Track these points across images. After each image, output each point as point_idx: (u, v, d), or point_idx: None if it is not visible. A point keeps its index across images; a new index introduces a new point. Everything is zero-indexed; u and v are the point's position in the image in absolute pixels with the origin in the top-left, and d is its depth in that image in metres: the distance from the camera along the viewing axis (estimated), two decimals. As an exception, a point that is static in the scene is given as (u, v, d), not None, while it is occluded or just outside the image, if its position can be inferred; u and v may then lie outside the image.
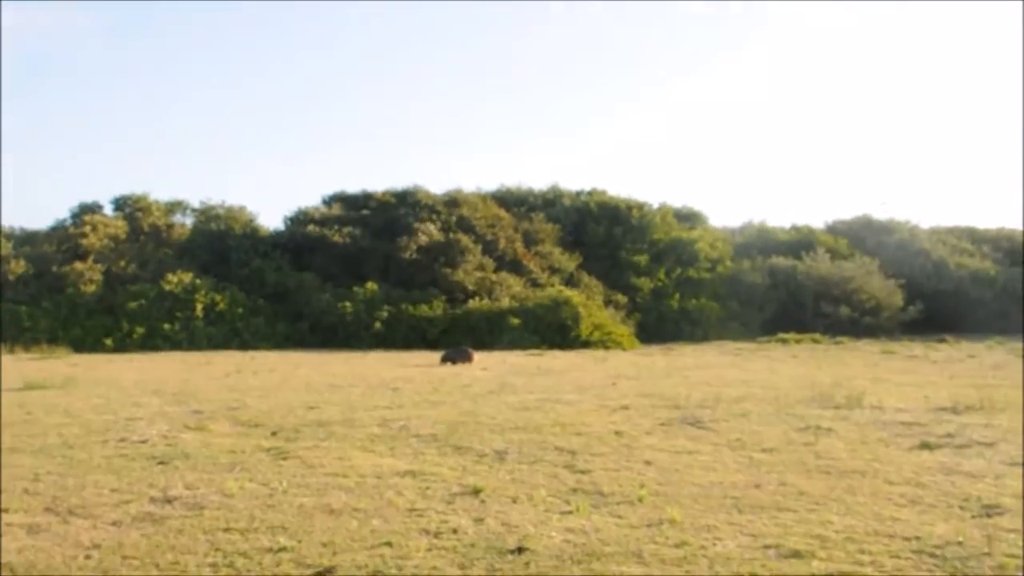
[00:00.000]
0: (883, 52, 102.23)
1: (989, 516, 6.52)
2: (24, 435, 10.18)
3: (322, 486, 7.51)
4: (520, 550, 5.71)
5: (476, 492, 7.26)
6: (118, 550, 5.75)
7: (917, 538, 5.94)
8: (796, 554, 5.59)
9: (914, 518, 6.46)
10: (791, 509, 6.72)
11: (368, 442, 9.73)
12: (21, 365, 21.65)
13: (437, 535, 6.06)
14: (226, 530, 6.19)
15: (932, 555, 5.59)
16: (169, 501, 7.01)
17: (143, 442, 9.68)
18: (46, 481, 7.77)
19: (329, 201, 38.98)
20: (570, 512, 6.66)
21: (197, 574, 5.29)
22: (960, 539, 5.88)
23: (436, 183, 59.97)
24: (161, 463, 8.54)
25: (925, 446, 9.35)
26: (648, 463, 8.49)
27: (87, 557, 5.62)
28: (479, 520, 6.43)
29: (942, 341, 31.81)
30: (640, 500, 6.99)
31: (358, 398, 13.85)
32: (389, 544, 5.85)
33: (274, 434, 10.31)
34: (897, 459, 8.66)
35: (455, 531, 6.15)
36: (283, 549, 5.73)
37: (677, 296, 38.28)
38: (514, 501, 7.01)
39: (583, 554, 5.63)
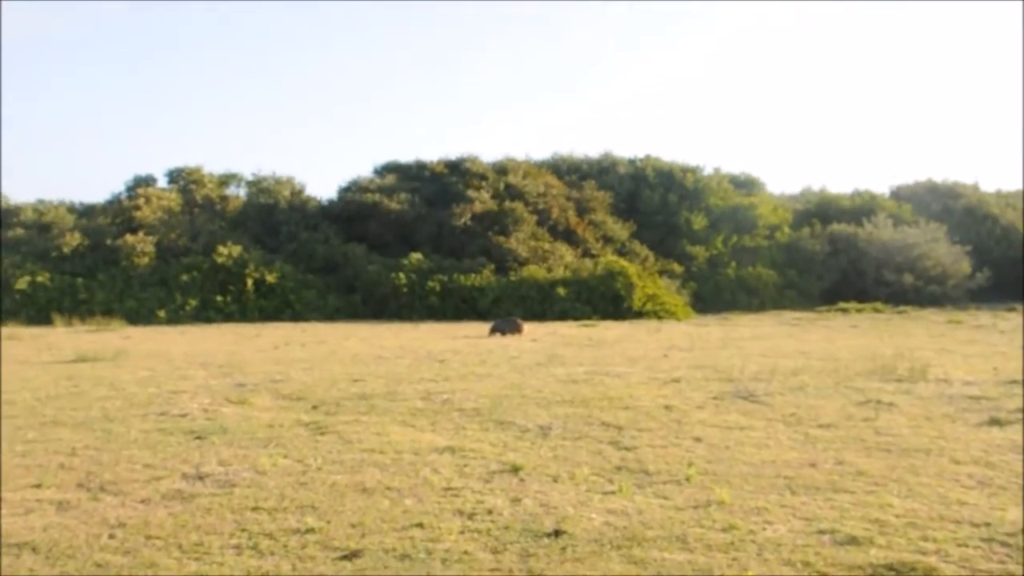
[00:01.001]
0: (939, 14, 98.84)
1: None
2: (68, 408, 10.16)
3: (357, 463, 7.29)
4: (557, 533, 5.42)
5: (516, 470, 6.98)
6: (143, 529, 5.60)
7: (987, 524, 5.51)
8: (853, 540, 5.21)
9: (983, 502, 6.02)
10: (848, 490, 6.32)
11: (409, 416, 9.51)
12: (76, 337, 21.93)
13: (471, 516, 5.80)
14: (255, 509, 6.01)
15: (1004, 543, 5.17)
16: (201, 478, 6.86)
17: (183, 416, 9.58)
18: (82, 456, 7.69)
19: (381, 171, 38.86)
20: (613, 492, 6.34)
21: (220, 556, 5.09)
22: (1035, 526, 5.44)
23: (488, 152, 59.58)
24: (198, 438, 8.41)
25: (995, 422, 8.81)
26: (697, 439, 8.12)
27: (111, 536, 5.47)
28: (516, 500, 6.15)
29: (1011, 310, 30.63)
30: (687, 479, 6.64)
31: (403, 370, 13.65)
32: (421, 525, 5.60)
33: (315, 408, 10.14)
34: (964, 436, 8.15)
35: (490, 512, 5.88)
36: (311, 530, 5.52)
37: (733, 264, 37.49)
38: (554, 480, 6.71)
39: (623, 538, 5.31)
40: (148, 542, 5.34)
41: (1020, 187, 48.41)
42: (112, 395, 11.17)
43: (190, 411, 9.86)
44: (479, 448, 7.82)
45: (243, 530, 5.56)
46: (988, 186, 48.51)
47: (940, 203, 43.91)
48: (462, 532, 5.48)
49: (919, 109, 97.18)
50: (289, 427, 8.94)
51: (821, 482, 6.55)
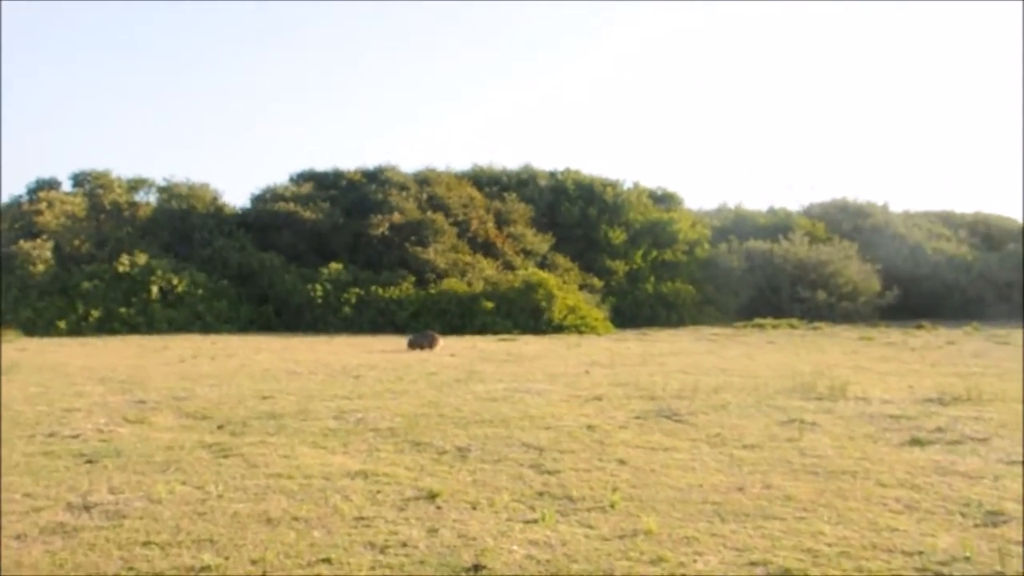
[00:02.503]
0: (861, 34, 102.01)
1: (994, 525, 5.93)
2: (-57, 429, 9.37)
3: (262, 489, 6.80)
4: (476, 568, 5.05)
5: (432, 497, 6.58)
6: (14, 570, 5.02)
7: (920, 552, 5.33)
8: (787, 573, 4.98)
9: (913, 527, 5.85)
10: (778, 517, 6.08)
11: (320, 437, 9.02)
12: (-36, 349, 20.70)
13: (384, 549, 5.38)
14: (145, 544, 5.49)
15: (938, 574, 4.98)
16: (88, 508, 6.28)
17: (74, 437, 8.92)
18: (-47, 484, 7.00)
19: (298, 179, 38.00)
20: (535, 521, 5.99)
21: (101, 601, 4.57)
22: (967, 554, 5.28)
23: (407, 162, 58.98)
24: (89, 462, 7.79)
25: (916, 442, 8.75)
26: (622, 462, 7.83)
27: (-25, 580, 4.89)
28: (432, 531, 5.75)
29: (919, 327, 31.40)
30: (612, 506, 6.33)
31: (316, 387, 13.11)
32: (328, 560, 5.18)
33: (220, 428, 9.58)
34: (888, 457, 8.05)
35: (404, 544, 5.48)
36: (206, 568, 5.04)
37: (652, 279, 37.66)
38: (473, 507, 6.33)
39: (547, 573, 4.99)
40: (20, 585, 4.79)
41: (927, 208, 50.06)
42: (-3, 414, 10.39)
43: (82, 432, 9.19)
44: (393, 472, 7.39)
45: (130, 568, 5.05)
46: (897, 207, 49.99)
47: (851, 222, 45.01)
48: (373, 568, 5.07)
49: (831, 129, 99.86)
50: (190, 449, 8.37)
51: (750, 508, 6.31)
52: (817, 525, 5.87)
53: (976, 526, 5.89)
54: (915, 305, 40.31)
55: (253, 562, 5.15)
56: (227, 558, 5.20)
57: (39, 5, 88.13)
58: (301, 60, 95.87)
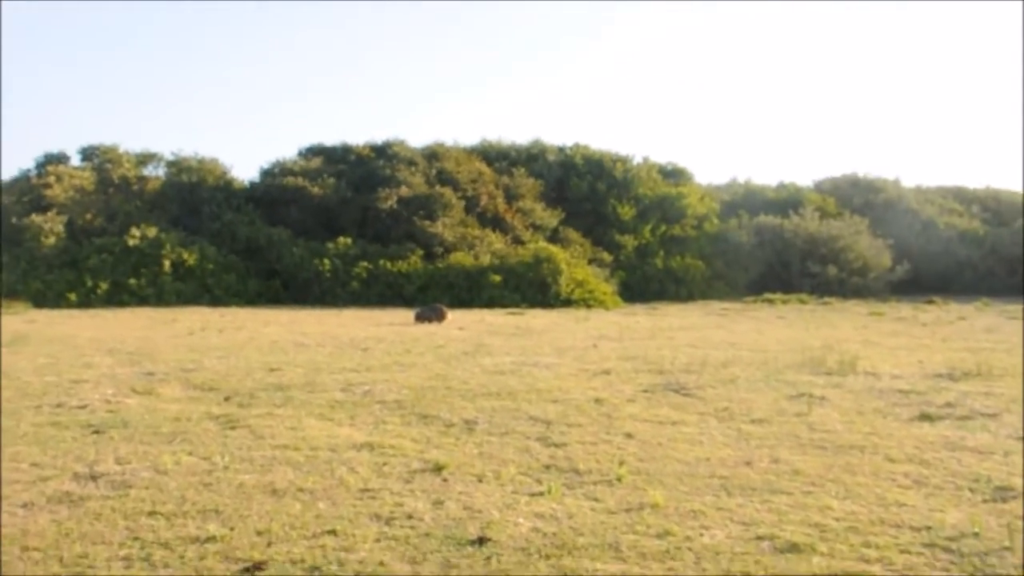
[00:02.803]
0: (866, 7, 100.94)
1: (1004, 500, 5.88)
2: (-50, 400, 9.39)
3: (268, 461, 6.79)
4: (481, 541, 5.02)
5: (438, 469, 6.56)
6: (20, 539, 5.02)
7: (928, 528, 5.28)
8: (793, 547, 4.92)
9: (921, 503, 5.80)
10: (785, 491, 6.05)
11: (327, 409, 9.02)
12: (-27, 321, 20.77)
13: (389, 521, 5.37)
14: (151, 514, 5.48)
15: (946, 549, 4.93)
16: (94, 478, 6.28)
17: (82, 408, 8.93)
18: (-40, 453, 7.02)
19: (306, 153, 37.91)
20: (541, 494, 5.96)
21: (105, 569, 4.57)
22: (976, 529, 5.23)
23: (416, 137, 58.83)
24: (96, 432, 7.80)
25: (925, 417, 8.69)
26: (629, 435, 7.80)
27: (-21, 549, 4.88)
28: (438, 503, 5.73)
29: (930, 302, 31.25)
30: (619, 479, 6.30)
31: (324, 359, 13.11)
32: (333, 532, 5.15)
33: (227, 399, 9.58)
34: (897, 432, 7.99)
35: (410, 517, 5.45)
36: (211, 539, 5.02)
37: (662, 254, 37.55)
38: (479, 480, 6.31)
39: (552, 546, 4.94)
40: (24, 554, 4.78)
41: (939, 183, 49.67)
42: (4, 384, 10.40)
43: (90, 402, 9.20)
44: (400, 444, 7.37)
45: (135, 538, 5.04)
46: (908, 181, 49.63)
47: (862, 197, 44.70)
48: (378, 540, 5.04)
49: (844, 103, 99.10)
50: (197, 420, 8.37)
51: (757, 482, 6.27)
52: (825, 500, 5.83)
53: (985, 501, 5.84)
54: (926, 280, 40.12)
55: (258, 533, 5.14)
56: (232, 528, 5.20)
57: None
58: (312, 35, 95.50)
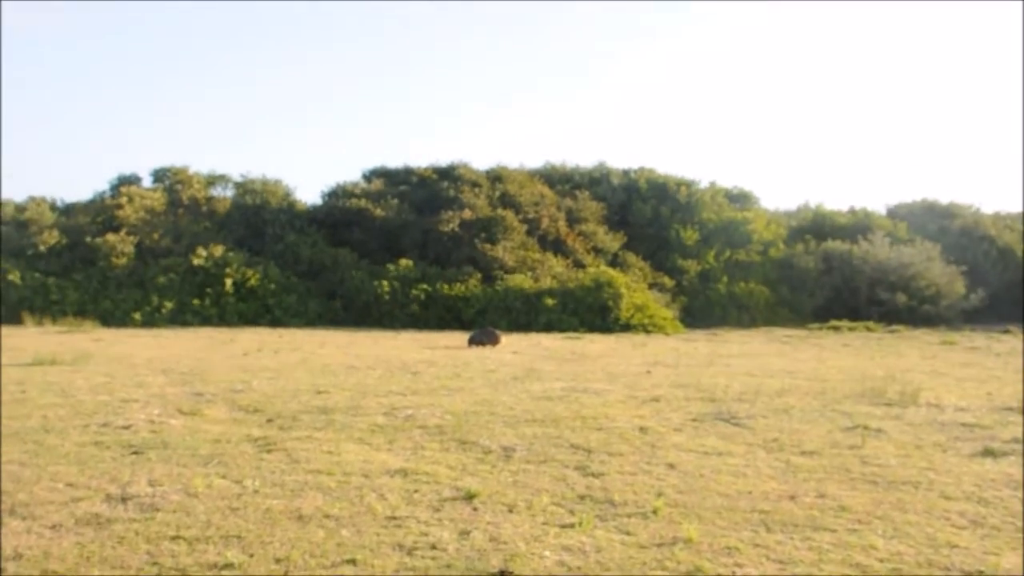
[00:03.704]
0: (946, 32, 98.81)
1: (1065, 547, 5.49)
2: (6, 416, 9.56)
3: (299, 485, 6.71)
4: (502, 573, 4.86)
5: (470, 497, 6.41)
6: (42, 561, 5.01)
7: (979, 572, 4.98)
8: (830, 590, 4.65)
9: (975, 544, 5.47)
10: (829, 528, 5.76)
11: (367, 433, 8.93)
12: (43, 338, 21.29)
13: (412, 551, 5.23)
14: (174, 538, 5.43)
15: (996, 597, 4.61)
16: (125, 500, 6.27)
17: (126, 428, 8.99)
18: (5, 471, 7.08)
19: (369, 176, 38.35)
20: (572, 525, 5.77)
21: (120, 596, 4.51)
22: (1032, 576, 4.89)
23: (479, 160, 59.10)
24: (135, 453, 7.83)
25: (989, 453, 8.25)
26: (671, 466, 7.55)
27: None
28: (464, 533, 5.58)
29: (1006, 332, 30.13)
30: (655, 512, 6.08)
31: (373, 382, 13.08)
32: (353, 562, 5.04)
33: (269, 421, 9.57)
34: (956, 468, 7.60)
35: (434, 547, 5.31)
36: (229, 565, 4.95)
37: (725, 279, 37.01)
38: (510, 510, 6.14)
39: (575, 582, 4.75)
40: (42, 577, 4.76)
41: (1019, 209, 48.11)
42: (58, 403, 10.58)
43: (135, 422, 9.26)
44: (434, 471, 7.24)
45: (154, 563, 4.99)
46: (986, 207, 48.19)
47: (936, 223, 43.47)
48: (397, 570, 4.92)
49: (918, 128, 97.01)
50: (236, 442, 8.36)
51: (800, 518, 5.99)
52: (870, 538, 5.54)
53: (1046, 545, 5.48)
54: (1003, 309, 38.80)
55: (277, 560, 5.05)
56: (252, 556, 5.12)
57: (119, 4, 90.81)
58: (376, 56, 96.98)
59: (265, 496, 6.41)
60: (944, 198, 46.61)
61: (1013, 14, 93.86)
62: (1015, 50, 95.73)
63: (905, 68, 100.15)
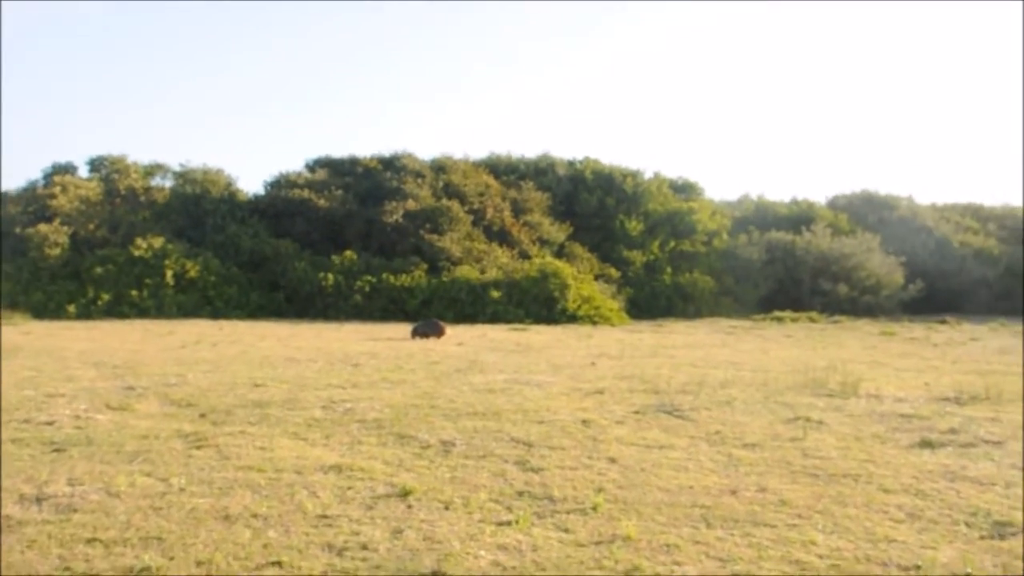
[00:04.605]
0: (887, 22, 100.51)
1: (1002, 537, 5.51)
2: (-80, 413, 9.12)
3: (228, 483, 6.47)
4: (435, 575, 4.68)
5: (405, 494, 6.22)
6: (-56, 569, 4.71)
7: (916, 567, 4.93)
8: (769, 588, 4.56)
9: (913, 538, 5.43)
10: (769, 524, 5.68)
11: (303, 428, 8.69)
12: (-31, 332, 20.56)
13: (342, 552, 5.04)
14: (90, 541, 5.17)
15: (934, 592, 4.56)
16: (40, 501, 5.98)
17: (48, 424, 8.63)
18: (-87, 472, 6.72)
19: (313, 166, 37.69)
20: (509, 523, 5.63)
21: (26, 605, 4.25)
22: (968, 569, 4.87)
23: (424, 150, 58.70)
24: (56, 451, 7.50)
25: (926, 444, 8.28)
26: (612, 460, 7.44)
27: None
28: (397, 532, 5.40)
29: (943, 322, 30.70)
30: (594, 508, 5.96)
31: (312, 375, 12.79)
32: (279, 563, 4.84)
33: (202, 416, 9.28)
34: (895, 460, 7.60)
35: (364, 547, 5.13)
36: (146, 569, 4.72)
37: (670, 270, 37.15)
38: (446, 507, 5.97)
39: (510, 583, 4.59)
40: (-58, 586, 4.48)
41: (955, 200, 49.07)
42: (-20, 399, 10.14)
43: (59, 418, 8.91)
44: (370, 467, 7.03)
45: (66, 568, 4.74)
46: (923, 199, 49.06)
47: (876, 214, 44.20)
48: (325, 572, 4.73)
49: (858, 120, 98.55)
50: (165, 438, 8.06)
51: (740, 513, 5.91)
52: (810, 534, 5.47)
53: (981, 538, 5.47)
54: (940, 300, 39.59)
55: (199, 563, 4.83)
56: (172, 558, 4.89)
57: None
58: (319, 46, 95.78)
59: (191, 495, 6.16)
60: (882, 189, 47.37)
61: (947, 8, 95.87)
62: (949, 43, 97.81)
63: (842, 60, 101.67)
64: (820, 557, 5.06)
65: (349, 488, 6.41)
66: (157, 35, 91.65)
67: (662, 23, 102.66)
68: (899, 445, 8.26)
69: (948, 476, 7.02)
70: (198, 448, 7.66)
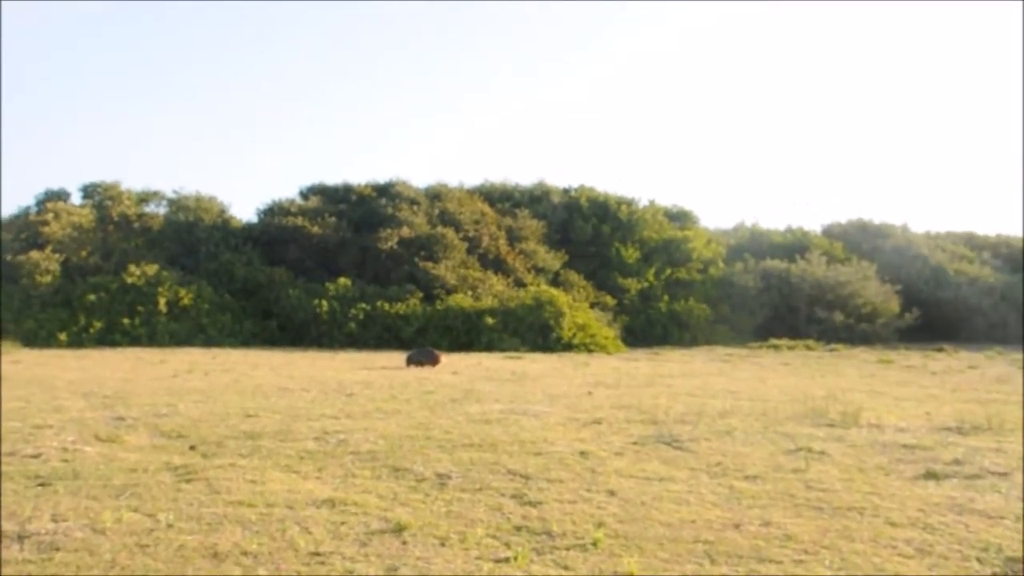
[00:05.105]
0: (881, 52, 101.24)
1: (1013, 573, 5.34)
2: (-97, 446, 8.90)
3: (218, 519, 6.27)
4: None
5: (399, 530, 6.03)
6: (-82, 611, 4.52)
7: (929, 605, 4.74)
8: (778, 629, 4.39)
9: (923, 574, 5.26)
10: (774, 559, 5.51)
11: (295, 460, 8.50)
12: (-42, 361, 20.32)
13: (334, 591, 4.85)
14: (72, 582, 4.97)
15: (948, 631, 4.39)
16: (23, 538, 5.77)
17: (35, 457, 8.43)
18: None
19: (306, 193, 37.68)
20: (507, 560, 5.45)
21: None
22: (982, 608, 4.69)
23: (418, 178, 58.64)
24: (41, 485, 7.29)
25: (931, 475, 8.12)
26: (612, 493, 7.26)
27: None
28: (392, 570, 5.23)
29: (940, 350, 30.62)
30: (594, 544, 5.78)
31: (305, 405, 12.60)
32: (268, 604, 4.64)
33: (192, 448, 9.08)
34: (900, 492, 7.43)
35: (358, 586, 4.94)
36: (130, 612, 4.51)
37: (666, 298, 37.04)
38: (442, 543, 5.79)
39: (509, 625, 4.41)
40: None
41: (950, 229, 49.17)
42: (-37, 431, 9.92)
43: (45, 450, 8.70)
44: (364, 501, 6.84)
45: (47, 611, 4.54)
46: (917, 227, 49.15)
47: (871, 242, 44.24)
48: (316, 614, 4.54)
49: (852, 149, 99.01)
50: (154, 472, 7.86)
51: (745, 548, 5.74)
52: (817, 570, 5.31)
53: (994, 574, 5.30)
54: (936, 327, 39.51)
55: (186, 605, 4.64)
56: (158, 600, 4.70)
57: (53, 14, 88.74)
58: (313, 72, 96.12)
59: (179, 531, 5.97)
60: (875, 218, 47.48)
61: (944, 35, 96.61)
62: (945, 71, 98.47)
63: (837, 88, 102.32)
64: (829, 595, 4.90)
65: (342, 523, 6.22)
66: (151, 61, 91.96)
67: (658, 51, 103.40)
68: (903, 477, 8.10)
69: (955, 509, 6.86)
70: (187, 482, 7.46)
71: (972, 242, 47.28)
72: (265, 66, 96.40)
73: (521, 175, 74.19)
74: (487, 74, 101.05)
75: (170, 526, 6.09)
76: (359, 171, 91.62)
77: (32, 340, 26.83)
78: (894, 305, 38.55)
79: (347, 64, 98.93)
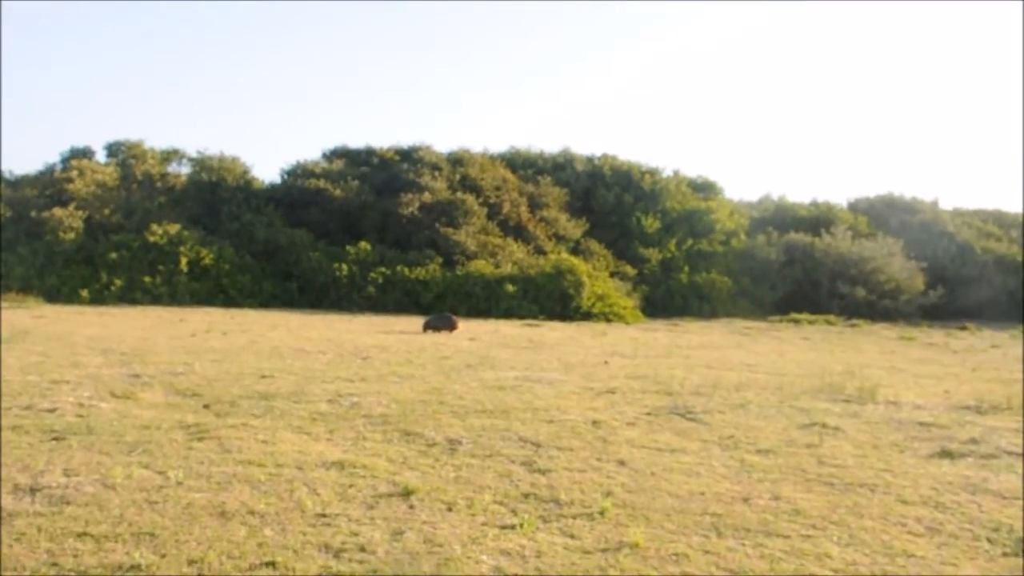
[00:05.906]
0: (909, 24, 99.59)
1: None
2: (-79, 397, 9.02)
3: (227, 478, 6.31)
4: (431, 582, 4.50)
5: (407, 494, 6.04)
6: (-71, 562, 4.56)
7: (937, 585, 4.69)
8: (781, 603, 4.35)
9: (932, 553, 5.21)
10: (782, 534, 5.47)
11: (308, 422, 8.53)
12: (-19, 314, 20.55)
13: (338, 553, 4.87)
14: (80, 535, 5.02)
15: (955, 611, 4.34)
16: (34, 491, 5.84)
17: (51, 411, 8.51)
18: (-91, 459, 6.59)
19: (330, 155, 37.62)
20: (513, 527, 5.44)
21: (8, 603, 4.10)
22: (991, 589, 4.64)
23: (442, 143, 58.44)
24: (55, 439, 7.37)
25: (946, 454, 8.03)
26: (622, 463, 7.23)
27: None
28: (398, 534, 5.22)
29: (963, 328, 30.29)
30: (601, 513, 5.76)
31: (321, 367, 12.64)
32: (272, 564, 4.67)
33: (206, 407, 9.14)
34: (913, 470, 7.35)
35: (363, 549, 4.95)
36: (136, 567, 4.55)
37: (687, 269, 36.84)
38: (449, 508, 5.79)
39: (512, 590, 4.41)
40: (-76, 580, 4.33)
41: (978, 206, 48.47)
42: (-16, 384, 10.03)
43: (61, 405, 8.78)
44: (373, 464, 6.86)
45: (54, 563, 4.58)
46: (946, 203, 48.47)
47: (898, 218, 43.66)
48: (320, 574, 4.54)
49: (882, 123, 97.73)
50: (167, 429, 7.91)
51: (753, 522, 5.70)
52: (824, 545, 5.26)
53: (1004, 555, 5.25)
54: (961, 305, 39.06)
55: (191, 562, 4.67)
56: (163, 556, 4.72)
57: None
58: (340, 37, 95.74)
59: (188, 489, 6.00)
60: (904, 193, 46.84)
61: (969, 11, 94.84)
62: (973, 48, 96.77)
63: (866, 63, 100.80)
64: (834, 571, 4.86)
65: (350, 486, 6.24)
66: (179, 23, 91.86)
67: (685, 22, 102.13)
68: (918, 454, 8.02)
69: (969, 488, 6.78)
70: (199, 440, 7.51)
71: (1000, 220, 46.57)
72: (294, 28, 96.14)
73: (546, 142, 73.63)
74: (515, 43, 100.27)
75: (179, 483, 6.13)
76: (382, 135, 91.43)
77: (54, 296, 27.10)
78: (919, 282, 38.10)
79: (374, 30, 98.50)
